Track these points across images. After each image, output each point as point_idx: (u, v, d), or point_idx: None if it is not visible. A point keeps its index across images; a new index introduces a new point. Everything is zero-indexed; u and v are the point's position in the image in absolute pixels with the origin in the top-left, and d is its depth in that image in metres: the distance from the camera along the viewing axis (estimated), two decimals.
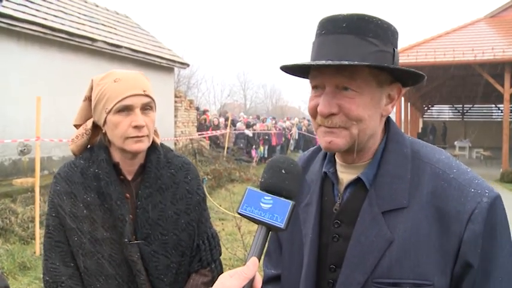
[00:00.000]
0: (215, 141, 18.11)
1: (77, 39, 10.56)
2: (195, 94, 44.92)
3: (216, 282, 0.97)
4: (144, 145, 1.61)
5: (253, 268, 0.96)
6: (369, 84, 1.16)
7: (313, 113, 1.22)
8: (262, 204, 1.02)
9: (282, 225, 1.00)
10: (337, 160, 1.32)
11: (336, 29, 1.15)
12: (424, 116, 31.53)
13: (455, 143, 24.48)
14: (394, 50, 1.18)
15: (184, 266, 1.71)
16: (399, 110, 17.74)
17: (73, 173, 1.65)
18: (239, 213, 1.04)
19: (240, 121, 21.08)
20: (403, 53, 16.15)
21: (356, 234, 1.20)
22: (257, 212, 1.02)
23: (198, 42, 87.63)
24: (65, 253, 1.59)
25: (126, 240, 1.57)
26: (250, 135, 19.59)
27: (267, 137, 20.94)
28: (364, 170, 1.24)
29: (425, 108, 31.08)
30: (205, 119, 18.84)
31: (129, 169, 1.67)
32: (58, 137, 8.30)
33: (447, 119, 31.64)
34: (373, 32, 1.14)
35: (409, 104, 22.21)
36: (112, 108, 1.57)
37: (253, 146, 19.64)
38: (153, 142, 1.73)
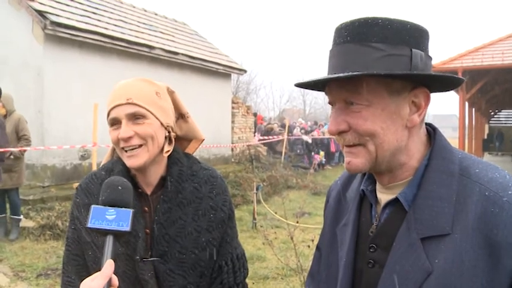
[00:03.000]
0: (273, 148, 18.02)
1: (136, 47, 10.81)
2: (254, 100, 45.27)
3: (81, 286, 1.16)
4: (139, 160, 1.49)
5: (111, 268, 1.18)
6: (378, 94, 1.04)
7: None
8: (107, 217, 1.25)
9: (127, 229, 1.25)
10: (376, 178, 1.18)
11: (340, 39, 1.07)
12: (491, 122, 30.04)
13: None
14: (411, 51, 1.03)
15: (203, 287, 1.59)
16: (463, 116, 16.87)
17: (93, 184, 1.60)
18: (89, 228, 1.25)
19: (297, 127, 20.87)
20: (468, 56, 15.38)
21: (390, 262, 1.05)
22: (105, 223, 1.24)
23: (257, 48, 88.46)
24: (81, 267, 1.54)
25: (137, 257, 1.49)
26: (309, 141, 19.36)
27: (325, 142, 20.64)
28: (402, 190, 1.09)
29: (492, 113, 29.59)
30: (272, 128, 18.71)
31: (146, 182, 1.58)
32: None
33: None
34: (377, 35, 1.02)
35: (473, 109, 21.18)
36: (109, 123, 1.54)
37: (312, 153, 19.38)
38: (174, 153, 1.62)
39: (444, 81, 1.08)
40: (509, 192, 0.99)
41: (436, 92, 1.13)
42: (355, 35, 1.03)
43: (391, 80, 1.03)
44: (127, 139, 1.47)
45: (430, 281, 0.98)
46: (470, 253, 0.96)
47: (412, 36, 1.04)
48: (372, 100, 1.03)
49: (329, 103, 1.13)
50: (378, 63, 1.01)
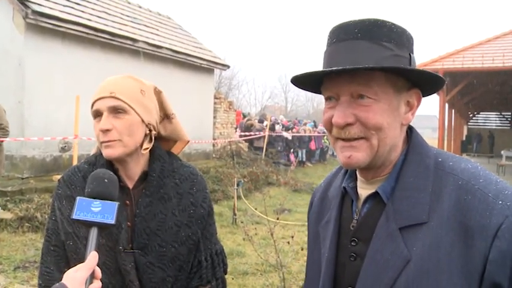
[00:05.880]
0: (253, 143, 18.04)
1: (119, 40, 10.72)
2: (236, 95, 45.25)
3: (64, 276, 1.16)
4: (115, 151, 1.52)
5: (94, 260, 1.20)
6: (386, 90, 1.09)
7: (329, 126, 1.15)
8: (93, 209, 1.26)
9: (112, 221, 1.26)
10: (358, 175, 1.23)
11: (348, 36, 1.10)
12: (469, 124, 30.56)
13: (502, 152, 23.42)
14: (410, 55, 1.12)
15: (181, 281, 1.64)
16: (442, 117, 17.15)
17: (75, 177, 1.63)
18: (73, 219, 1.25)
19: (278, 123, 20.90)
20: (449, 58, 15.65)
21: (371, 252, 1.10)
22: (90, 215, 1.25)
23: (240, 44, 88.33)
24: (60, 258, 1.57)
25: (120, 247, 1.52)
26: (290, 138, 19.42)
27: (306, 139, 20.72)
28: (381, 184, 1.15)
29: (471, 115, 30.08)
30: (252, 124, 18.69)
31: (128, 176, 1.62)
32: None
33: (494, 127, 30.51)
34: (386, 36, 1.09)
35: (453, 111, 21.50)
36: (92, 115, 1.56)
37: (292, 150, 19.43)
38: (156, 150, 1.65)
39: (434, 83, 1.15)
40: (481, 181, 1.05)
41: (425, 93, 1.19)
42: (367, 33, 1.08)
43: (396, 78, 1.10)
44: (105, 131, 1.50)
45: (409, 268, 1.03)
46: (446, 239, 1.01)
47: (409, 41, 1.13)
48: (381, 95, 1.08)
49: (328, 97, 1.16)
50: (388, 61, 1.07)
